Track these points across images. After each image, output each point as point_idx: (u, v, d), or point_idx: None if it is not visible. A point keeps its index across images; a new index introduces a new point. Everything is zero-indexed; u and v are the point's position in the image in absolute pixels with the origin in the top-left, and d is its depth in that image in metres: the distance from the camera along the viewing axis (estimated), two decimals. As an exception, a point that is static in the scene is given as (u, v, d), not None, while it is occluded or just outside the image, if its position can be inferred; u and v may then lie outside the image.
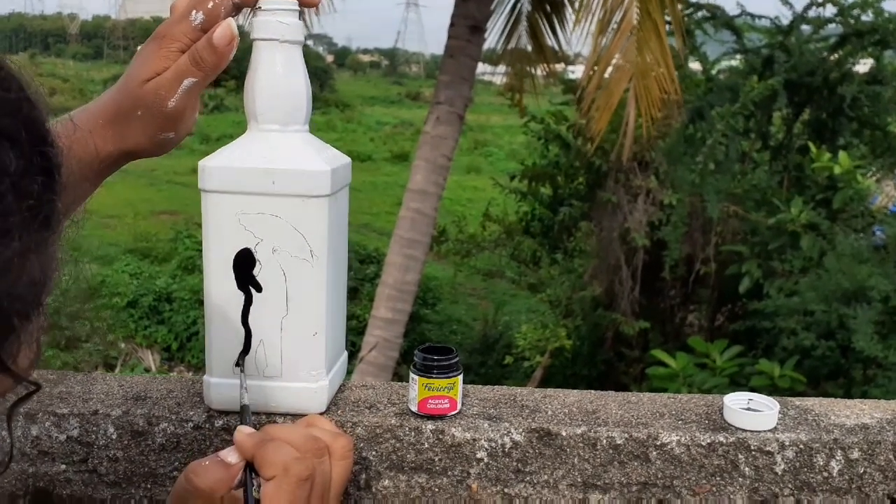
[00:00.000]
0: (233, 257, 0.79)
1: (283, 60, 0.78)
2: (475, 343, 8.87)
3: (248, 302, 0.80)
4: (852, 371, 4.90)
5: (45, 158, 0.44)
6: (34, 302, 0.43)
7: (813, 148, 5.78)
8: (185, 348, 9.37)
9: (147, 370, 8.94)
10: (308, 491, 0.67)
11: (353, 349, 6.74)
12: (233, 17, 0.76)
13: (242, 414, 0.75)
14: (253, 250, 0.78)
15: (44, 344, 0.47)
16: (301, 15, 0.80)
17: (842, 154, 5.62)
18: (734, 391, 0.88)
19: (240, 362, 0.80)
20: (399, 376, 6.18)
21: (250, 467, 0.67)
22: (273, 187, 0.77)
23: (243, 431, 0.69)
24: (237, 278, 0.79)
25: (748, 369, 5.11)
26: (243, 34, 0.77)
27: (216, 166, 0.78)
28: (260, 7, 0.77)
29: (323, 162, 0.78)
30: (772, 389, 4.73)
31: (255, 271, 0.79)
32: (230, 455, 0.68)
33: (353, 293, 9.13)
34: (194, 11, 0.75)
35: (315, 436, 0.71)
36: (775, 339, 5.27)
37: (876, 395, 4.53)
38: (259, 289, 0.79)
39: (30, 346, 0.44)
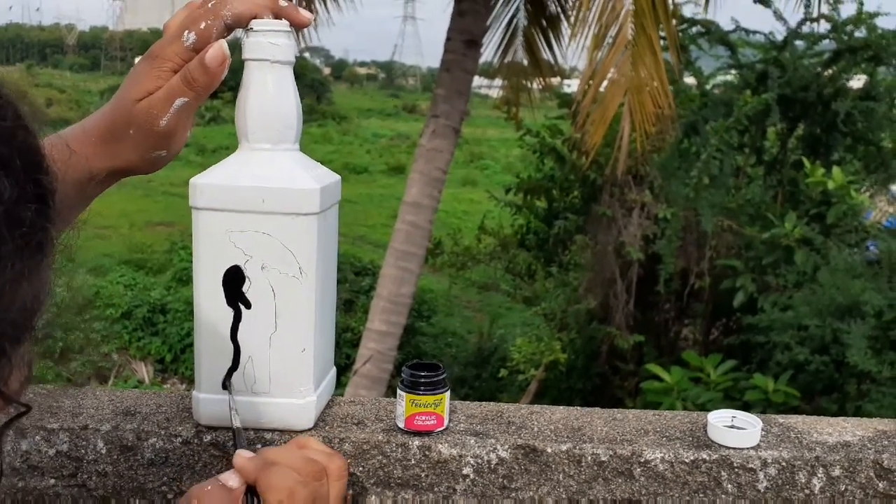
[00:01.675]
0: (222, 274, 0.79)
1: (274, 81, 0.79)
2: (470, 356, 8.87)
3: (238, 318, 0.81)
4: (846, 386, 4.91)
5: (39, 186, 0.45)
6: (25, 327, 0.44)
7: (807, 163, 5.81)
8: (179, 360, 9.35)
9: (140, 382, 8.91)
10: None
11: (348, 361, 6.75)
12: (225, 37, 0.77)
13: (236, 437, 0.76)
14: (242, 267, 0.79)
15: (34, 364, 0.48)
16: (296, 32, 0.81)
17: (835, 169, 5.65)
18: (728, 406, 0.89)
19: (227, 384, 0.81)
20: (393, 389, 6.16)
21: (252, 491, 0.69)
22: (263, 205, 0.78)
23: (243, 456, 0.70)
24: (227, 295, 0.80)
25: (742, 384, 5.12)
26: (237, 48, 0.78)
27: (207, 184, 0.79)
28: (252, 28, 0.78)
29: (312, 180, 0.79)
30: (766, 404, 4.74)
31: (245, 288, 0.80)
32: (231, 479, 0.69)
33: (347, 305, 9.13)
34: (186, 32, 0.76)
35: (313, 458, 0.72)
36: (769, 354, 5.28)
37: (870, 409, 4.54)
38: (248, 305, 0.80)
39: (20, 369, 0.45)
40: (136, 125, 0.76)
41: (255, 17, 0.77)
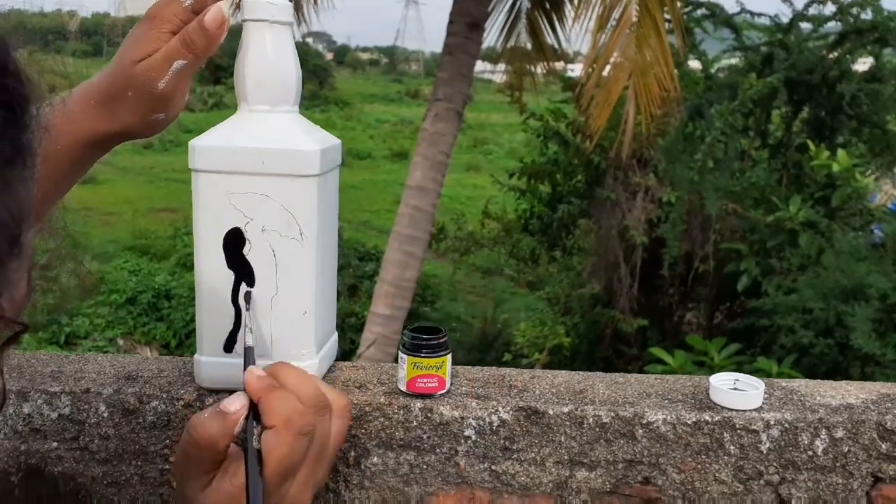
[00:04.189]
0: (223, 237, 0.79)
1: (272, 41, 0.78)
2: (474, 340, 8.88)
3: (238, 281, 0.80)
4: (850, 369, 4.90)
5: (5, 91, 0.41)
6: (8, 243, 0.40)
7: (812, 146, 5.78)
8: (184, 345, 9.37)
9: (146, 367, 8.94)
10: (306, 445, 0.68)
11: (352, 346, 6.75)
12: (223, -2, 0.77)
13: (247, 356, 0.75)
14: (243, 229, 0.79)
15: (35, 286, 0.44)
16: (298, 7, 0.81)
17: (840, 152, 5.63)
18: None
19: (247, 301, 0.80)
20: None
21: (254, 411, 0.68)
22: (262, 167, 0.77)
23: (254, 373, 0.70)
24: (227, 257, 0.80)
25: (746, 367, 5.11)
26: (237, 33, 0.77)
27: (206, 146, 0.78)
28: (250, -12, 0.77)
29: (312, 142, 0.79)
30: (769, 386, 4.74)
31: (245, 250, 0.79)
32: (232, 403, 0.68)
33: (351, 290, 9.13)
34: (185, -8, 0.75)
35: (321, 392, 0.72)
36: (773, 337, 5.27)
37: (873, 392, 4.53)
38: (249, 268, 0.80)
39: (13, 288, 0.42)
40: (134, 87, 0.76)
41: (253, -22, 0.77)
